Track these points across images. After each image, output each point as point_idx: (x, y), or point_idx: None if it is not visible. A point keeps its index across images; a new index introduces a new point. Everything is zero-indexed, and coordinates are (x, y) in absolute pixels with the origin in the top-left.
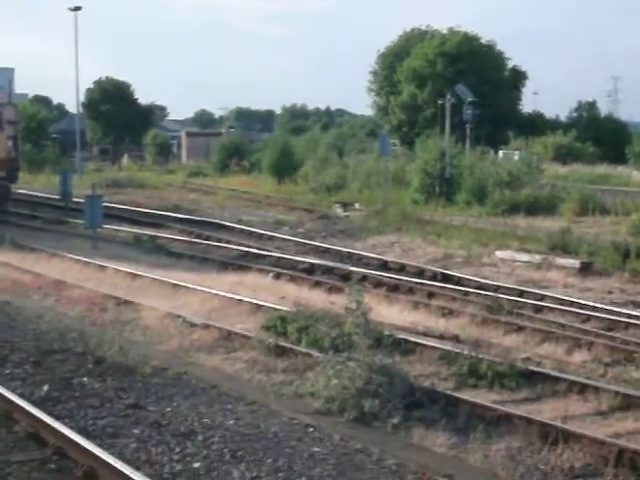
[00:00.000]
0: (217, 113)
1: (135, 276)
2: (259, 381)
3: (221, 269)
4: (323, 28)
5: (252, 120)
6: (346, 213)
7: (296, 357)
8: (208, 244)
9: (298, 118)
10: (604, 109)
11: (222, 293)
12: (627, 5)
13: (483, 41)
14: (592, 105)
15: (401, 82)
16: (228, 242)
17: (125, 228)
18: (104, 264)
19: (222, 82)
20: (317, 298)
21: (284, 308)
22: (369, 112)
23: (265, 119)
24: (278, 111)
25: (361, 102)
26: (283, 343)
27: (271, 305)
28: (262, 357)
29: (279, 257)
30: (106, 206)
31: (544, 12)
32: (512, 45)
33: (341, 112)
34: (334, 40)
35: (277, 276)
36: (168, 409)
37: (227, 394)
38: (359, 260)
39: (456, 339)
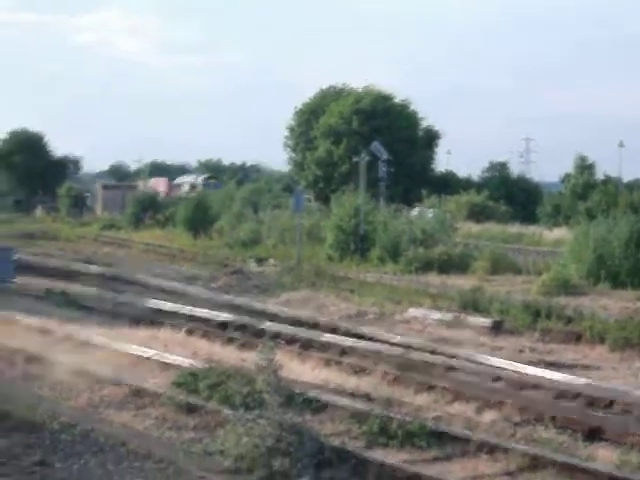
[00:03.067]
0: (133, 166)
1: (45, 330)
2: (169, 438)
3: (133, 324)
4: (239, 83)
5: (168, 174)
6: (261, 268)
7: (207, 414)
8: (121, 298)
9: (213, 172)
10: (516, 169)
11: (134, 348)
12: (540, 70)
13: (397, 100)
14: (503, 165)
15: (317, 138)
16: (141, 296)
17: (36, 281)
18: (14, 318)
19: (138, 135)
20: (230, 354)
21: (196, 364)
22: (285, 168)
23: (181, 173)
24: (194, 165)
25: (277, 158)
26: (194, 400)
27: (183, 361)
28: (172, 414)
29: (192, 312)
30: (18, 258)
31: (459, 73)
32: (426, 104)
33: (257, 167)
34: (251, 95)
35: (190, 331)
36: (75, 466)
37: (136, 452)
38: (273, 316)
39: (367, 397)
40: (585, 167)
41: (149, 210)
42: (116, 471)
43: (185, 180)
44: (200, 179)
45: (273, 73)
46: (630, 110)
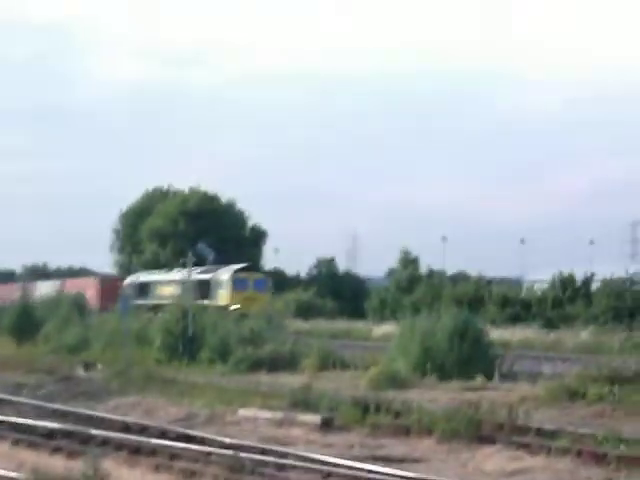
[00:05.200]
0: None
1: None
2: None
3: None
4: (64, 187)
5: None
6: (89, 374)
7: None
8: None
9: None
10: (343, 265)
11: None
12: (364, 162)
13: (223, 200)
14: (331, 261)
15: (143, 241)
16: None
17: None
18: None
19: None
20: (56, 464)
21: (21, 477)
22: (112, 270)
23: (7, 278)
24: (19, 270)
25: (104, 261)
26: None
27: (7, 474)
28: None
29: (17, 422)
30: None
31: (281, 172)
32: (252, 204)
33: (84, 271)
34: (76, 198)
35: (15, 442)
36: None
37: None
38: (101, 422)
39: None
40: (409, 261)
41: None
42: None
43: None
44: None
45: (98, 177)
46: (451, 204)
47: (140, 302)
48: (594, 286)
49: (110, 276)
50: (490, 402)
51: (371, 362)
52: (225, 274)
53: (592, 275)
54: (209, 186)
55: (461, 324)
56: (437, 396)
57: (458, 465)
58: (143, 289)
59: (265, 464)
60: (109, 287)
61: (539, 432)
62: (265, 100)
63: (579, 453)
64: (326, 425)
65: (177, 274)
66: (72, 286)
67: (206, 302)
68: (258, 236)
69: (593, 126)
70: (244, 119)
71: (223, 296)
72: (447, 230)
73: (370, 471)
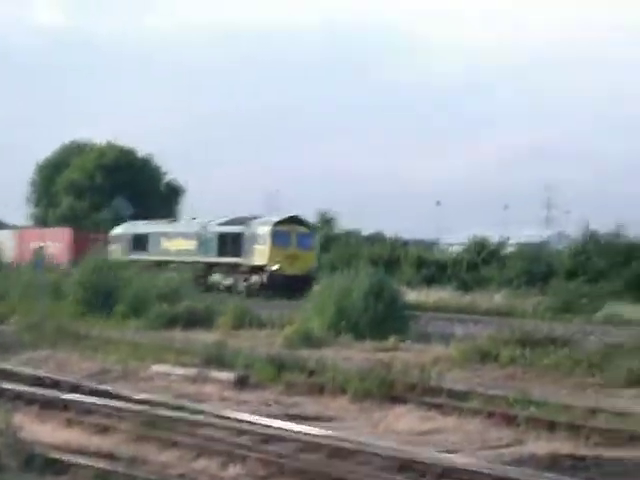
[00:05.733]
0: None
1: None
2: None
3: None
4: None
5: None
6: (2, 327)
7: None
8: None
9: None
10: None
11: None
12: (284, 123)
13: (140, 155)
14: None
15: (60, 194)
16: None
17: None
18: None
19: None
20: None
21: None
22: (28, 223)
23: None
24: None
25: (19, 213)
26: None
27: None
28: None
29: None
30: None
31: (200, 129)
32: (169, 160)
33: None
34: None
35: None
36: None
37: None
38: (12, 376)
39: (111, 457)
40: (326, 220)
41: None
42: None
43: None
44: None
45: (15, 128)
46: (368, 165)
47: (135, 257)
48: (509, 250)
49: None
50: (403, 362)
51: (287, 321)
52: (264, 227)
53: (507, 239)
54: (127, 141)
55: (376, 284)
56: (351, 355)
57: (370, 424)
58: (140, 242)
59: (178, 420)
60: (81, 240)
61: (451, 393)
62: (185, 57)
63: (490, 414)
64: (240, 382)
65: (189, 225)
66: (31, 237)
67: (233, 260)
68: (175, 192)
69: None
70: (167, 76)
71: (260, 253)
72: (365, 192)
73: (283, 429)
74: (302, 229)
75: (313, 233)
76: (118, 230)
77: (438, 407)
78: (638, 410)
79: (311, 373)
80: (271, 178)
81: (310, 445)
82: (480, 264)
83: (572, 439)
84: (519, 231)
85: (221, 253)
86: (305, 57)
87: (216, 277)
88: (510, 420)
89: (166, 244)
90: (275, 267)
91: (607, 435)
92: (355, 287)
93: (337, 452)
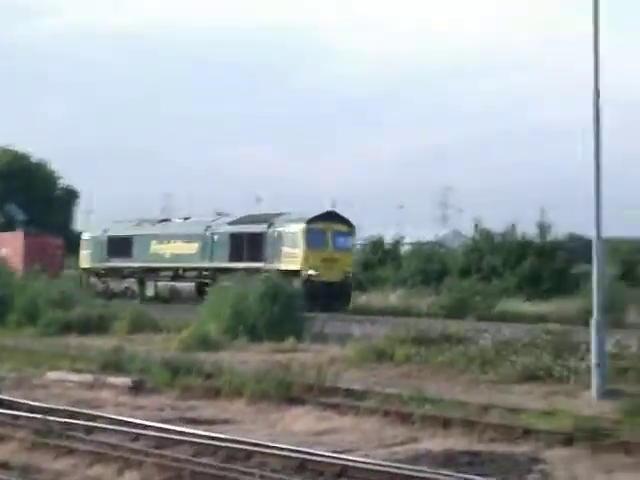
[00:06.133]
0: None
1: None
2: None
3: None
4: None
5: None
6: None
7: None
8: None
9: None
10: None
11: None
12: (178, 124)
13: (34, 160)
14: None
15: None
16: None
17: None
18: None
19: None
20: None
21: None
22: None
23: None
24: None
25: None
26: None
27: None
28: None
29: None
30: None
31: (102, 132)
32: (63, 164)
33: None
34: None
35: None
36: None
37: None
38: None
39: (5, 466)
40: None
41: None
42: None
43: None
44: None
45: None
46: (265, 167)
47: (115, 264)
48: (405, 249)
49: (35, 231)
50: (300, 364)
51: (184, 325)
52: (295, 224)
53: (402, 238)
54: (20, 146)
55: (272, 286)
56: (248, 358)
57: (267, 426)
58: (121, 246)
59: (74, 427)
60: (36, 244)
61: (348, 393)
62: (75, 57)
63: (386, 413)
64: (137, 388)
65: (188, 226)
66: None
67: (250, 265)
68: (69, 197)
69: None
70: (57, 76)
71: (290, 257)
72: (261, 192)
73: (180, 432)
74: (340, 227)
75: (351, 231)
76: (92, 233)
77: (335, 407)
78: (530, 405)
79: (207, 376)
80: (169, 179)
81: (207, 448)
82: (376, 264)
83: (467, 435)
84: (415, 231)
85: (233, 257)
86: (203, 61)
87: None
88: (406, 418)
89: (157, 248)
90: (311, 272)
91: (501, 430)
92: (251, 290)
93: (234, 455)
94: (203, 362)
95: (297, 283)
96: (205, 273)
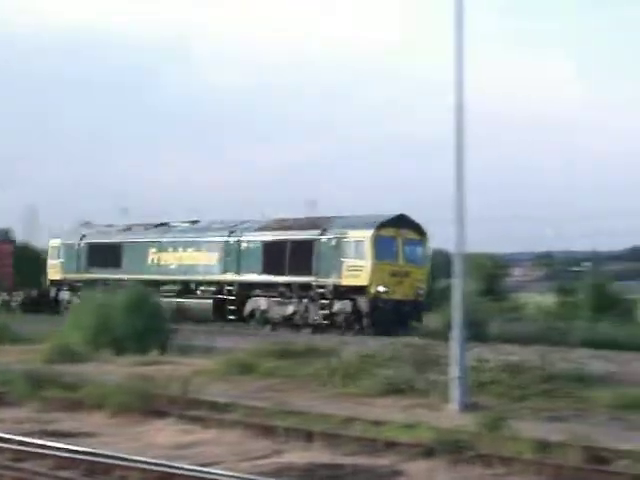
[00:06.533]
0: None
1: None
2: None
3: None
4: None
5: None
6: None
7: None
8: None
9: None
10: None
11: None
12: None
13: None
14: (8, 231)
15: None
16: None
17: None
18: None
19: None
20: None
21: None
22: None
23: None
24: None
25: None
26: None
27: None
28: None
29: None
30: None
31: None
32: None
33: None
34: None
35: None
36: None
37: None
38: None
39: None
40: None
41: None
42: None
43: None
44: None
45: None
46: (129, 176)
47: (96, 275)
48: None
49: None
50: (165, 376)
51: (47, 336)
52: (360, 231)
53: None
54: None
55: (135, 298)
56: (112, 370)
57: (129, 439)
58: (106, 255)
59: None
60: None
61: (212, 405)
62: None
63: (249, 426)
64: None
65: (204, 232)
66: None
67: (296, 280)
68: None
69: None
70: None
71: (356, 270)
72: (127, 202)
73: (39, 445)
74: (412, 234)
75: (425, 240)
76: (64, 239)
77: (199, 420)
78: (392, 418)
79: (69, 389)
80: (32, 191)
81: (67, 462)
82: None
83: (330, 448)
84: None
85: (269, 269)
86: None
87: (260, 303)
88: (269, 431)
89: (157, 257)
90: (381, 289)
91: (363, 443)
92: (115, 301)
93: (94, 468)
94: (65, 374)
95: (362, 301)
96: (229, 288)
